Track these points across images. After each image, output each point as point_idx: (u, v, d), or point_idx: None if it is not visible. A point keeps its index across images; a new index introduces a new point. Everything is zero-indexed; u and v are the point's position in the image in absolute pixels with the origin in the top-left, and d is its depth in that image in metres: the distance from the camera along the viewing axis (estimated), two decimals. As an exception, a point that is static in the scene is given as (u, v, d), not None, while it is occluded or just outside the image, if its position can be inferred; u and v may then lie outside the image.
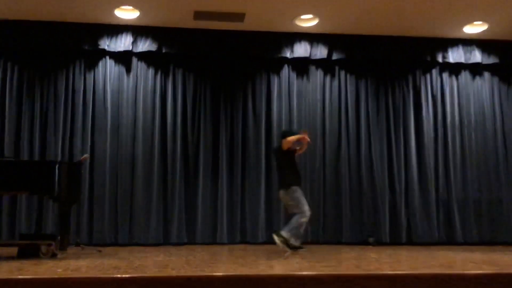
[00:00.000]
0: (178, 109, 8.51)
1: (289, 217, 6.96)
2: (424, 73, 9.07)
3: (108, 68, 8.44)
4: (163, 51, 8.43)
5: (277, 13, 7.95)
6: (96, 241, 7.86)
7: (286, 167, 6.95)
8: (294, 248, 6.53)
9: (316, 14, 8.08)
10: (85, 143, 8.18)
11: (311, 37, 8.73)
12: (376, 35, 8.75)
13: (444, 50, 8.92)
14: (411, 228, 8.54)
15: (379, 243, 8.30)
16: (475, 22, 8.33)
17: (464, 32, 8.66)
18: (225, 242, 8.16)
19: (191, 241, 8.16)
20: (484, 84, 9.14)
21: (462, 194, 8.72)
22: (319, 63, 8.89)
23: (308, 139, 7.05)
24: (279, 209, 8.21)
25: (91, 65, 8.45)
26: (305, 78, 8.89)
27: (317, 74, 8.90)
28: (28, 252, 5.90)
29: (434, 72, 9.07)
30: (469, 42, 8.95)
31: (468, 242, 8.49)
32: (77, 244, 7.10)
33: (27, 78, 8.27)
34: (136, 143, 8.30)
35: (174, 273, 4.35)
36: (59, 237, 6.17)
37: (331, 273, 4.31)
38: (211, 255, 6.28)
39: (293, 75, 8.87)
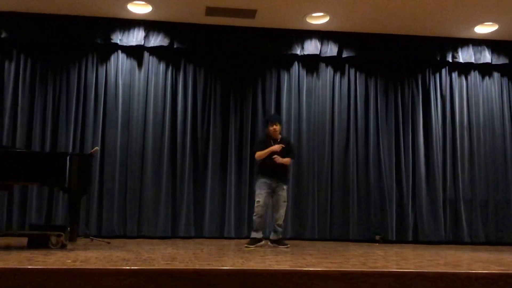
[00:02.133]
0: (188, 104, 8.56)
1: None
2: (434, 73, 9.06)
3: (120, 62, 8.49)
4: (175, 46, 8.47)
5: (288, 10, 7.96)
6: (105, 233, 7.93)
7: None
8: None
9: (327, 12, 8.09)
10: (96, 136, 8.25)
11: (321, 35, 8.74)
12: (387, 34, 8.75)
13: (454, 50, 8.91)
14: (418, 227, 8.56)
15: (385, 241, 8.32)
16: (486, 23, 8.32)
17: (475, 32, 8.65)
18: (233, 237, 8.21)
19: (199, 235, 8.22)
20: (494, 85, 9.13)
21: (470, 193, 8.72)
22: (329, 60, 8.90)
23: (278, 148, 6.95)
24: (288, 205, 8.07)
25: (103, 59, 8.51)
26: (315, 75, 8.91)
27: (327, 72, 8.91)
28: (38, 243, 5.94)
29: (444, 71, 9.06)
30: (479, 42, 8.93)
31: (474, 242, 8.50)
32: (86, 236, 7.16)
33: (40, 71, 8.33)
34: (146, 136, 8.35)
35: (182, 266, 4.39)
36: (68, 228, 6.23)
37: (338, 269, 4.33)
38: (219, 249, 6.32)
39: (303, 72, 8.89)
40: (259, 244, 6.76)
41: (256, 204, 6.84)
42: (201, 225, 8.30)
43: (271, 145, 6.94)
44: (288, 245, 6.76)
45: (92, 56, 8.48)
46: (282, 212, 6.88)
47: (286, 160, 6.98)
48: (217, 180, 8.46)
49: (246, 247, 6.62)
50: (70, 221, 6.64)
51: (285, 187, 6.97)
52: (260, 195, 6.83)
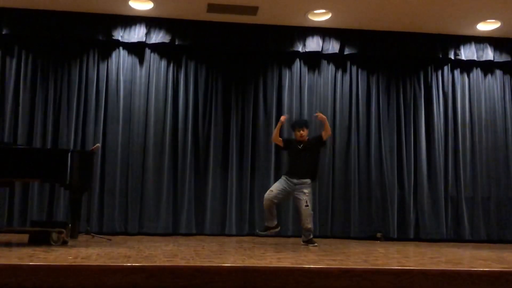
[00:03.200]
0: (189, 101, 8.55)
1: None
2: (436, 70, 9.05)
3: (122, 59, 8.49)
4: (176, 43, 8.46)
5: (290, 7, 7.95)
6: (106, 229, 7.94)
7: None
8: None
9: (329, 9, 8.08)
10: (97, 132, 8.25)
11: (323, 32, 8.73)
12: (389, 31, 8.74)
13: (457, 47, 8.90)
14: (419, 224, 8.56)
15: (387, 238, 8.32)
16: (488, 20, 8.31)
17: (477, 30, 8.63)
18: (234, 234, 8.21)
19: (200, 232, 8.22)
20: (496, 82, 9.11)
21: (471, 191, 8.72)
22: (331, 57, 8.89)
23: (283, 119, 7.16)
24: (290, 202, 7.98)
25: (105, 55, 8.50)
26: (316, 72, 8.90)
27: (328, 69, 8.90)
28: (39, 239, 5.95)
29: (446, 69, 9.04)
30: (481, 39, 8.91)
31: (476, 240, 8.49)
32: (88, 232, 7.15)
33: (41, 67, 8.33)
34: (147, 133, 8.35)
35: (183, 263, 4.39)
36: (70, 225, 6.23)
37: (339, 266, 4.33)
38: (220, 246, 6.32)
39: (305, 69, 8.88)
40: (272, 230, 6.92)
41: (267, 192, 6.92)
42: (202, 222, 8.30)
43: (296, 147, 7.00)
44: (316, 244, 6.69)
45: (93, 53, 8.48)
46: (304, 216, 6.75)
47: (326, 125, 7.02)
48: (218, 177, 8.46)
49: (258, 231, 7.03)
50: (71, 218, 6.64)
51: (306, 191, 6.81)
52: (275, 186, 6.93)
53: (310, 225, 6.79)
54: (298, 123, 7.18)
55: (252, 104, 8.69)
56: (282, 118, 7.16)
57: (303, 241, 6.85)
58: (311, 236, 6.84)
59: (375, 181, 8.61)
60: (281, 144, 7.15)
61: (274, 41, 8.62)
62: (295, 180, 6.83)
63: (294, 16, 8.31)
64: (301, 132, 7.00)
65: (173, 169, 8.37)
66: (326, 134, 7.04)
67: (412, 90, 8.95)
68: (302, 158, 6.95)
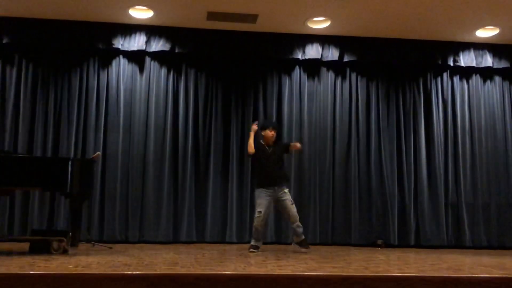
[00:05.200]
0: (189, 109, 8.56)
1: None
2: (435, 77, 9.06)
3: (122, 67, 8.50)
4: (176, 51, 8.48)
5: (290, 14, 7.97)
6: (106, 238, 7.92)
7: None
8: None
9: (328, 16, 8.10)
10: (98, 140, 8.25)
11: (322, 39, 8.74)
12: (388, 38, 8.75)
13: (456, 54, 8.91)
14: (420, 231, 8.54)
15: (387, 245, 8.30)
16: (487, 27, 8.32)
17: (476, 36, 8.65)
18: (234, 241, 8.20)
19: (200, 240, 8.21)
20: (495, 88, 9.12)
21: (472, 197, 8.71)
22: (330, 65, 8.90)
23: (255, 128, 7.13)
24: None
25: (105, 64, 8.52)
26: (316, 79, 8.91)
27: (328, 76, 8.91)
28: (40, 248, 5.96)
29: (445, 75, 9.05)
30: (480, 46, 8.93)
31: (476, 246, 8.47)
32: (88, 241, 7.16)
33: (42, 75, 8.34)
34: (148, 141, 8.36)
35: (183, 271, 4.40)
36: (70, 234, 6.24)
37: (340, 274, 4.34)
38: (220, 253, 6.33)
39: (304, 77, 8.89)
40: (258, 251, 6.76)
41: (257, 215, 6.83)
42: (202, 229, 8.29)
43: (266, 150, 6.99)
44: (309, 248, 6.73)
45: (93, 61, 8.49)
46: (293, 212, 6.84)
47: (298, 145, 7.17)
48: (218, 185, 8.46)
49: (251, 251, 6.67)
50: (72, 226, 6.68)
51: (286, 190, 6.95)
52: (261, 206, 6.83)
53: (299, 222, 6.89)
54: (271, 123, 7.28)
55: (252, 112, 8.69)
56: (254, 126, 7.12)
57: (296, 242, 6.88)
58: (303, 237, 6.86)
59: (375, 188, 8.61)
60: (252, 150, 7.05)
61: (273, 48, 8.64)
62: (276, 188, 6.87)
63: (293, 24, 8.33)
64: (273, 132, 7.05)
65: (173, 177, 8.37)
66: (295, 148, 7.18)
67: (411, 97, 8.96)
68: (273, 161, 6.99)
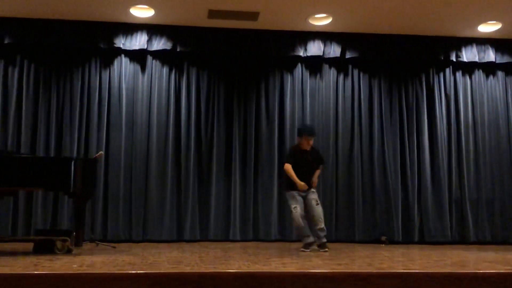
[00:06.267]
0: (192, 107, 8.56)
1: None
2: (438, 72, 9.04)
3: (123, 66, 8.51)
4: (178, 49, 8.47)
5: (291, 12, 7.96)
6: (110, 237, 7.94)
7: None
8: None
9: (329, 13, 8.09)
10: (100, 140, 8.26)
11: (324, 36, 8.73)
12: (390, 34, 8.74)
13: (458, 49, 8.89)
14: (424, 227, 8.53)
15: (391, 242, 8.29)
16: (489, 21, 8.30)
17: (478, 31, 8.63)
18: (238, 239, 8.20)
19: (204, 238, 8.22)
20: (498, 83, 9.10)
21: (475, 193, 8.70)
22: (332, 61, 8.89)
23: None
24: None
25: (107, 63, 8.52)
26: (318, 76, 8.90)
27: (330, 73, 8.90)
28: (44, 248, 5.96)
29: (448, 71, 9.03)
30: (482, 41, 8.91)
31: (481, 242, 8.46)
32: (92, 240, 7.17)
33: (44, 75, 8.35)
34: (150, 140, 8.36)
35: (187, 269, 4.39)
36: (74, 233, 6.24)
37: (344, 271, 4.33)
38: (224, 252, 6.32)
39: (306, 74, 8.88)
40: (312, 246, 6.65)
41: (293, 211, 6.70)
42: (206, 228, 8.29)
43: (304, 155, 6.94)
44: (327, 250, 6.60)
45: (95, 61, 8.50)
46: (318, 212, 6.76)
47: (317, 175, 7.11)
48: (221, 183, 8.46)
49: (302, 251, 6.54)
50: (76, 226, 6.67)
51: (313, 190, 6.91)
52: (295, 202, 6.75)
53: (324, 225, 6.79)
54: (311, 131, 7.09)
55: (254, 109, 8.69)
56: (304, 186, 6.84)
57: (319, 245, 6.70)
58: (325, 240, 6.75)
59: (378, 185, 8.60)
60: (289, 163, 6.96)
61: (275, 46, 8.64)
62: (307, 191, 6.83)
63: (295, 21, 8.32)
64: (311, 141, 7.00)
65: (176, 176, 8.37)
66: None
67: (414, 93, 8.95)
68: (309, 167, 6.97)
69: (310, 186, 6.89)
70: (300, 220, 6.69)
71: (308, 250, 6.56)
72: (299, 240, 7.98)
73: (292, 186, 6.84)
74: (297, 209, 6.70)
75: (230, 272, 4.11)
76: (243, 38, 8.57)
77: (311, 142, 7.02)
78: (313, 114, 8.73)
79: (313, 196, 6.84)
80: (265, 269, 4.48)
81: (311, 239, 6.67)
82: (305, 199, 6.84)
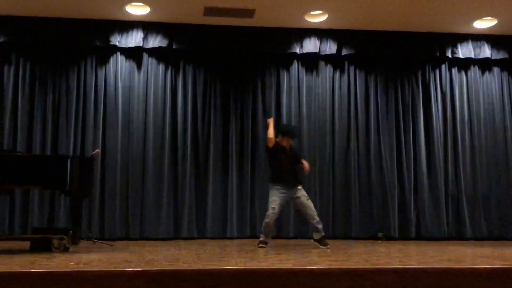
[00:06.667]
0: (188, 105, 8.56)
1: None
2: (434, 69, 9.05)
3: (119, 64, 8.49)
4: (174, 47, 8.47)
5: (287, 9, 7.96)
6: (107, 235, 7.93)
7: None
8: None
9: (325, 10, 8.09)
10: (97, 138, 8.25)
11: (320, 33, 8.73)
12: (386, 31, 8.74)
13: (454, 46, 8.90)
14: (420, 223, 8.55)
15: (388, 238, 8.31)
16: (485, 18, 8.31)
17: (474, 28, 8.64)
18: (235, 237, 8.21)
19: (201, 236, 8.22)
20: (494, 80, 9.11)
21: (472, 189, 8.71)
22: (328, 58, 8.89)
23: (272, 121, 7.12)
24: (290, 205, 7.94)
25: (102, 61, 8.50)
26: (314, 73, 8.90)
27: (326, 70, 8.90)
28: (41, 246, 5.95)
29: (444, 67, 9.05)
30: (478, 37, 8.92)
31: (477, 237, 8.48)
32: (89, 238, 7.16)
33: (39, 74, 8.33)
34: (147, 138, 8.35)
35: (185, 266, 4.39)
36: (71, 231, 6.23)
37: (341, 267, 4.33)
38: (221, 249, 6.33)
39: (303, 71, 8.88)
40: (266, 246, 6.68)
41: (271, 211, 6.72)
42: (203, 225, 8.30)
43: (284, 153, 6.93)
44: (329, 246, 6.63)
45: (91, 59, 8.48)
46: (311, 208, 6.80)
47: (306, 164, 7.08)
48: (218, 181, 8.46)
49: (261, 246, 6.60)
50: (72, 224, 6.64)
51: (300, 186, 6.90)
52: (275, 202, 6.75)
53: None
54: (292, 133, 7.17)
55: (251, 107, 8.69)
56: (271, 120, 7.11)
57: (315, 239, 6.77)
58: (323, 233, 6.79)
59: (375, 181, 8.61)
60: (272, 144, 6.98)
61: (271, 43, 8.63)
62: (291, 187, 6.83)
63: (291, 18, 8.31)
64: (291, 142, 7.08)
65: (173, 173, 8.37)
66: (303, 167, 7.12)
67: (410, 89, 8.96)
68: (291, 162, 6.98)
69: (297, 183, 6.89)
70: (272, 224, 6.82)
71: (265, 246, 6.62)
72: (296, 237, 8.03)
73: (278, 178, 6.86)
74: (275, 210, 6.74)
75: (227, 269, 4.12)
76: (239, 36, 8.57)
77: (292, 142, 7.10)
78: (309, 111, 8.74)
79: (303, 193, 6.86)
80: (262, 265, 4.49)
81: (268, 240, 6.77)
82: (295, 198, 6.86)
